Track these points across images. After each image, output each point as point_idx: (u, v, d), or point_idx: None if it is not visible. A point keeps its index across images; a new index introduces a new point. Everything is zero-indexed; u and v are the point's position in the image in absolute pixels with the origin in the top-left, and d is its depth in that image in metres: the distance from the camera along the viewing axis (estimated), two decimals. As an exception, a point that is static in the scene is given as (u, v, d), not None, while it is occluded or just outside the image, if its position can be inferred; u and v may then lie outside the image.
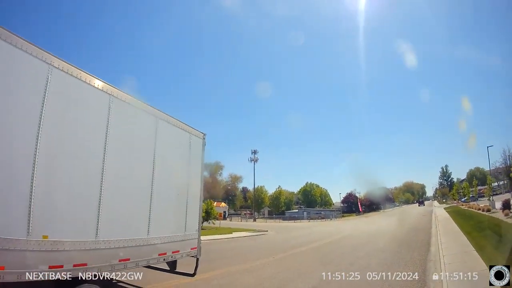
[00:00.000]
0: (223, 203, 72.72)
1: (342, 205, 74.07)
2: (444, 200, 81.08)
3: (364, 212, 61.47)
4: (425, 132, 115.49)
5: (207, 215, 28.61)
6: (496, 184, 68.87)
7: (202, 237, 7.50)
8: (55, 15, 76.41)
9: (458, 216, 26.13)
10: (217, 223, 32.03)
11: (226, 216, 65.90)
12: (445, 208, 43.03)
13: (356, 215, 58.14)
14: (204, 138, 7.29)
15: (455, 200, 68.63)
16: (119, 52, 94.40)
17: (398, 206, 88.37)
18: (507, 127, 78.81)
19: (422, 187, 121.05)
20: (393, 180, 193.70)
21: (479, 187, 67.88)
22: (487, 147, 44.61)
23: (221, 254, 13.78)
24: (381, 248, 13.36)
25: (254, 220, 60.37)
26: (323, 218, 55.23)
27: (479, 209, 27.80)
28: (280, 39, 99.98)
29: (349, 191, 75.51)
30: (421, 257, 10.92)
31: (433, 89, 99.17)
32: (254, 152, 74.12)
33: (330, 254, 12.31)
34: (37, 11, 72.80)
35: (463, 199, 58.29)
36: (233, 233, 24.31)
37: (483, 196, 54.06)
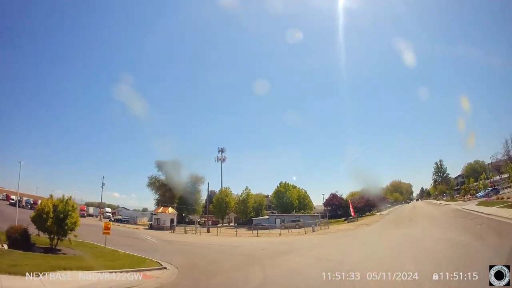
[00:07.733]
0: (170, 208, 54.80)
1: (325, 208, 57.80)
2: (445, 198, 67.49)
3: (357, 216, 44.99)
4: (410, 129, 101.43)
5: (58, 224, 11.70)
6: (498, 177, 60.00)
7: None
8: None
9: None
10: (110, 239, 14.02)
11: (174, 225, 48.64)
12: (488, 205, 26.35)
13: (348, 222, 41.39)
14: None
15: (464, 196, 55.58)
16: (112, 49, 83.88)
17: (389, 206, 74.32)
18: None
19: (410, 186, 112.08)
20: (378, 180, 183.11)
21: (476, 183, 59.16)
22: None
23: None
24: None
25: (208, 231, 43.84)
26: (301, 227, 38.17)
27: None
28: (272, 37, 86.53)
29: (332, 192, 59.86)
30: None
31: (429, 88, 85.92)
32: (222, 150, 64.07)
33: None
34: (37, 8, 68.61)
35: (484, 193, 44.44)
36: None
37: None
